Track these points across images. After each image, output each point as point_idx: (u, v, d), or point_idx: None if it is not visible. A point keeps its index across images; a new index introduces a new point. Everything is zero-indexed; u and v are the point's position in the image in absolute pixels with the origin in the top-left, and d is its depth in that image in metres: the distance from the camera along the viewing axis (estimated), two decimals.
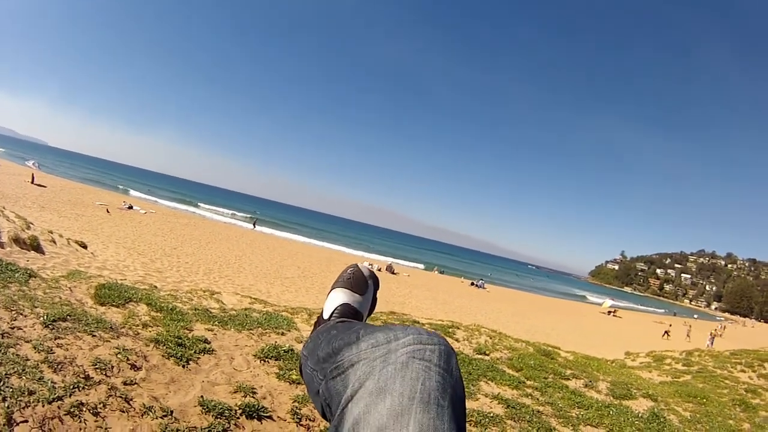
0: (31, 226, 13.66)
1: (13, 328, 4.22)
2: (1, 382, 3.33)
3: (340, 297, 1.90)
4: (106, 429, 3.45)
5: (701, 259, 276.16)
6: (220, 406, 4.28)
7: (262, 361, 5.91)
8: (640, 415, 7.26)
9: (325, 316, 1.87)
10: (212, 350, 5.78)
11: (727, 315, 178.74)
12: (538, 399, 7.26)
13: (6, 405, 3.13)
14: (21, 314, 4.63)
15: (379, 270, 52.43)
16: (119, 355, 4.53)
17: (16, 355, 3.77)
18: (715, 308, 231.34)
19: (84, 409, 3.52)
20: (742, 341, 41.93)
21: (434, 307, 32.61)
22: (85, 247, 17.60)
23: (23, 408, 3.20)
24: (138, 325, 5.84)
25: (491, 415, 5.98)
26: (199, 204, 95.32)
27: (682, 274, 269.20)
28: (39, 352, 3.97)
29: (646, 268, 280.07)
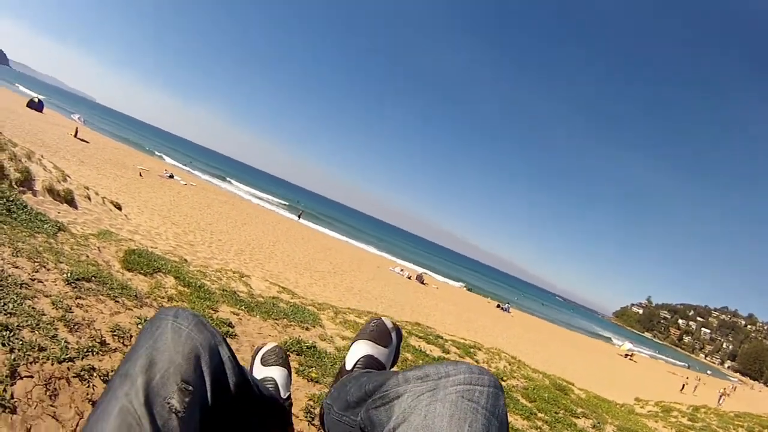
0: (67, 178, 13.78)
1: (33, 280, 4.18)
2: (12, 333, 3.27)
3: (363, 348, 2.08)
4: None
5: (723, 316, 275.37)
6: None
7: None
8: None
9: (348, 366, 2.05)
10: (235, 335, 5.73)
11: (738, 375, 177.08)
12: None
13: (12, 357, 3.06)
14: (44, 267, 4.59)
15: (409, 278, 54.00)
16: (140, 326, 4.45)
17: (33, 308, 3.72)
18: (728, 367, 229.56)
19: (95, 374, 3.45)
20: (748, 404, 41.52)
21: (458, 323, 32.93)
22: (120, 208, 17.78)
23: (30, 363, 3.13)
24: (163, 298, 5.79)
25: None
26: (240, 185, 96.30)
27: (702, 328, 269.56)
28: (57, 309, 3.92)
29: (669, 317, 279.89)
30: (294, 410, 4.52)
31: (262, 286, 9.81)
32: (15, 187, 10.34)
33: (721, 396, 44.63)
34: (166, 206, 29.62)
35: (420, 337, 10.23)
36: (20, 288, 3.90)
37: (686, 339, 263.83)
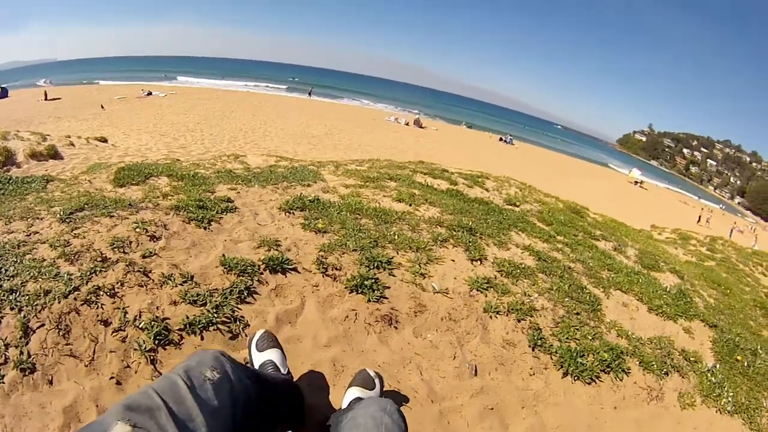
0: (47, 138, 13.51)
1: (29, 235, 4.10)
2: (17, 294, 3.23)
3: (353, 393, 2.80)
4: (123, 308, 3.36)
5: (727, 149, 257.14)
6: (242, 263, 4.15)
7: (287, 213, 5.77)
8: (668, 289, 6.96)
9: (344, 407, 2.72)
10: (235, 208, 5.64)
11: (750, 214, 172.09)
12: (568, 255, 7.00)
13: (22, 315, 3.06)
14: (37, 218, 4.50)
15: (407, 124, 52.96)
16: (137, 230, 4.40)
17: (32, 259, 3.67)
18: (738, 203, 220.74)
19: (101, 293, 3.42)
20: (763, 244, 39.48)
21: (462, 159, 31.81)
22: (105, 141, 17.49)
23: (39, 312, 3.13)
24: (158, 197, 5.67)
25: (522, 266, 5.77)
26: (219, 80, 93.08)
27: (708, 160, 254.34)
28: (55, 249, 3.85)
29: (673, 146, 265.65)
30: (306, 264, 4.53)
31: (258, 161, 9.66)
32: None
33: (732, 230, 43.44)
34: (151, 122, 29.28)
35: (425, 173, 10.07)
36: (18, 248, 3.82)
37: (693, 169, 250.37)
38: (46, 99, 41.55)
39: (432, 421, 3.26)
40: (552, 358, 4.17)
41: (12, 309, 3.11)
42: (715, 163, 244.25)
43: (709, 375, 4.74)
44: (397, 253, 5.17)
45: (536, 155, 61.70)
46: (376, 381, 2.96)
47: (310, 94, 78.07)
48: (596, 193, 37.11)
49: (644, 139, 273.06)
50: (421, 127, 53.46)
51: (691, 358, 4.94)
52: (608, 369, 4.21)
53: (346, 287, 4.33)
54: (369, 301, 4.20)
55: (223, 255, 4.30)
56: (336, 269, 4.56)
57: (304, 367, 3.40)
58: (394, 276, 4.68)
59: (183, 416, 1.67)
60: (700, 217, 47.46)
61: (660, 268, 8.24)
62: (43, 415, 2.64)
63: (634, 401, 4.07)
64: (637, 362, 4.46)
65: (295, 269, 4.42)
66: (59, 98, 42.57)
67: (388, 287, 4.47)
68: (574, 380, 4.02)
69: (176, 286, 3.72)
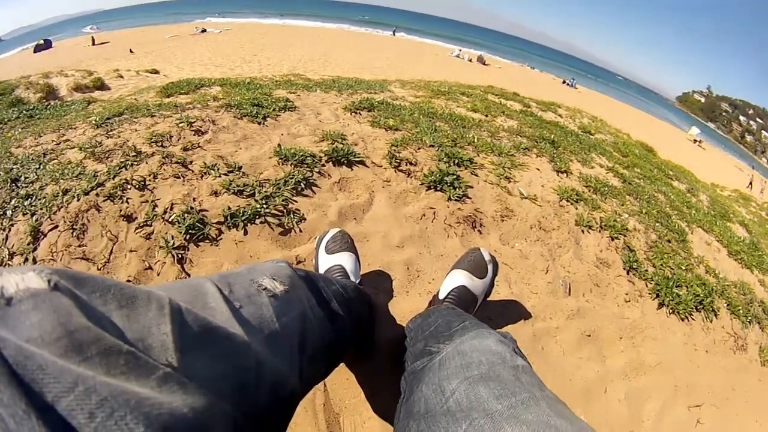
0: (93, 73, 13.44)
1: (58, 144, 3.79)
2: (33, 198, 2.91)
3: (458, 279, 2.22)
4: (153, 202, 2.96)
5: None
6: (300, 153, 3.75)
7: (353, 113, 5.44)
8: (742, 238, 6.69)
9: (441, 296, 2.20)
10: (295, 107, 5.31)
11: None
12: (650, 185, 6.72)
13: (34, 219, 2.72)
14: (71, 128, 4.21)
15: (470, 60, 52.77)
16: (180, 125, 4.07)
17: (57, 164, 3.34)
18: None
19: (128, 186, 3.04)
20: None
21: (529, 93, 32.00)
22: (157, 72, 17.45)
23: (54, 213, 2.78)
24: (208, 99, 5.33)
25: (609, 185, 5.53)
26: (276, 19, 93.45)
27: (762, 131, 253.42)
28: (84, 151, 3.51)
29: (730, 111, 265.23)
30: (376, 159, 4.13)
31: (319, 79, 9.48)
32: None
33: None
34: (206, 56, 29.43)
35: (497, 95, 9.87)
36: (44, 156, 3.51)
37: (748, 138, 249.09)
38: (93, 44, 41.89)
39: (525, 345, 2.79)
40: (647, 285, 3.81)
41: (24, 215, 2.79)
42: None
43: None
44: (478, 155, 4.86)
45: (599, 100, 60.81)
46: (489, 268, 2.35)
47: (394, 33, 78.36)
48: (659, 143, 36.99)
49: (702, 100, 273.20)
50: (484, 64, 53.37)
51: None
52: (700, 306, 3.89)
53: (422, 183, 3.93)
54: (450, 199, 3.79)
55: (279, 145, 3.91)
56: (411, 164, 4.17)
57: (371, 269, 2.96)
58: (476, 176, 4.32)
59: (199, 326, 0.85)
60: (750, 183, 46.16)
61: (730, 218, 8.08)
62: None
63: (723, 348, 3.70)
64: (725, 304, 4.11)
65: (362, 163, 4.01)
66: (108, 42, 42.98)
67: (471, 187, 4.09)
68: (670, 313, 3.67)
69: (219, 177, 3.32)
